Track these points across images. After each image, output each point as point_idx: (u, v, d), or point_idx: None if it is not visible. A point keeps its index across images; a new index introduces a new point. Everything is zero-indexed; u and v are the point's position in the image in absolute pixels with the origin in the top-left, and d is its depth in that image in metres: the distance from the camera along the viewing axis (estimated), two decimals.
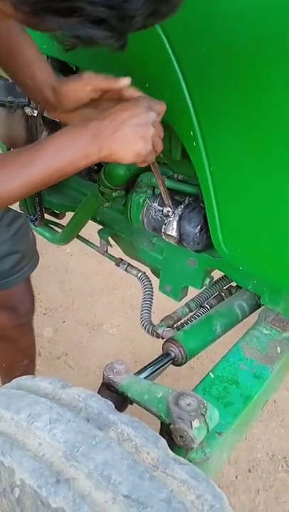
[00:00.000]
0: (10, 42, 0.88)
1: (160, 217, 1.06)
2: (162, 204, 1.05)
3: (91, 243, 1.48)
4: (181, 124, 0.87)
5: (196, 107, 0.82)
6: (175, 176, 1.06)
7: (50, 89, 0.89)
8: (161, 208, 1.05)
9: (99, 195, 1.19)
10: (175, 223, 1.01)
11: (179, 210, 1.02)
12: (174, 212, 1.01)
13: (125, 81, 0.80)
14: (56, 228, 1.53)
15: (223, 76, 0.78)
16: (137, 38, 0.87)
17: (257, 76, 0.74)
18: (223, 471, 1.63)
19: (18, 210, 1.16)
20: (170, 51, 0.82)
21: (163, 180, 1.01)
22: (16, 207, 1.16)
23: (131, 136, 0.74)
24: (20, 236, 1.19)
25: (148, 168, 1.11)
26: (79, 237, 1.48)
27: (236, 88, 0.78)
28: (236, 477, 1.62)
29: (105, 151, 0.74)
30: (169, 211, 1.02)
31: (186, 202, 1.02)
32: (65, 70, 1.22)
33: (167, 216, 1.03)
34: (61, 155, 0.74)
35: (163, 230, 1.04)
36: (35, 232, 1.53)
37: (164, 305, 1.42)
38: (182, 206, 1.02)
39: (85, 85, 0.84)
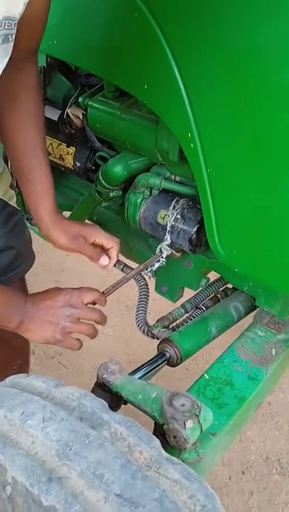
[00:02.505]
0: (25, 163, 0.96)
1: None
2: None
3: None
4: (178, 125, 0.87)
5: (194, 109, 0.83)
6: (172, 177, 1.06)
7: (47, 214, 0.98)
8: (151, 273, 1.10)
9: (96, 195, 1.19)
10: (171, 251, 1.06)
11: (167, 242, 1.03)
12: (162, 257, 1.06)
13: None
14: None
15: (221, 79, 0.78)
16: (137, 41, 0.88)
17: (254, 80, 0.75)
18: (217, 472, 1.63)
19: (16, 207, 1.16)
20: (169, 54, 0.82)
21: (128, 277, 1.08)
22: (14, 203, 1.16)
23: (44, 324, 0.90)
24: (16, 232, 1.19)
25: (146, 169, 1.12)
26: None
27: (234, 91, 0.78)
28: (230, 479, 1.63)
29: (21, 328, 0.89)
30: (159, 265, 1.07)
31: (170, 224, 1.02)
32: (64, 69, 1.23)
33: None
34: None
35: None
36: (31, 232, 1.53)
37: (160, 306, 1.42)
38: (168, 236, 1.03)
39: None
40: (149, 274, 1.10)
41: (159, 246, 1.07)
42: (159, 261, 1.06)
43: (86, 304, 0.96)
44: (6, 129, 0.94)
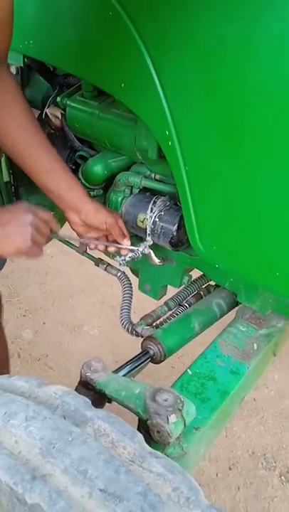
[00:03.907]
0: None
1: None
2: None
3: (70, 243, 1.48)
4: (156, 123, 0.88)
5: (171, 107, 0.83)
6: (152, 175, 1.07)
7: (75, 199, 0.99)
8: (123, 262, 1.09)
9: None
10: (150, 251, 1.06)
11: (149, 243, 1.04)
12: (138, 251, 1.06)
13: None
14: None
15: (196, 77, 0.79)
16: (112, 40, 0.88)
17: (230, 77, 0.76)
18: (204, 468, 1.64)
19: None
20: (145, 53, 0.83)
21: (107, 245, 1.07)
22: None
23: (12, 233, 0.91)
24: None
25: (126, 168, 1.12)
26: None
27: (209, 88, 0.79)
28: (217, 475, 1.64)
29: None
30: (132, 255, 1.06)
31: (149, 227, 1.03)
32: (41, 70, 1.23)
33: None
34: None
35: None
36: None
37: (144, 304, 1.42)
38: (149, 238, 1.04)
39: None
40: (120, 261, 1.09)
41: (141, 243, 1.07)
42: (133, 251, 1.06)
43: None
44: (7, 138, 0.96)
